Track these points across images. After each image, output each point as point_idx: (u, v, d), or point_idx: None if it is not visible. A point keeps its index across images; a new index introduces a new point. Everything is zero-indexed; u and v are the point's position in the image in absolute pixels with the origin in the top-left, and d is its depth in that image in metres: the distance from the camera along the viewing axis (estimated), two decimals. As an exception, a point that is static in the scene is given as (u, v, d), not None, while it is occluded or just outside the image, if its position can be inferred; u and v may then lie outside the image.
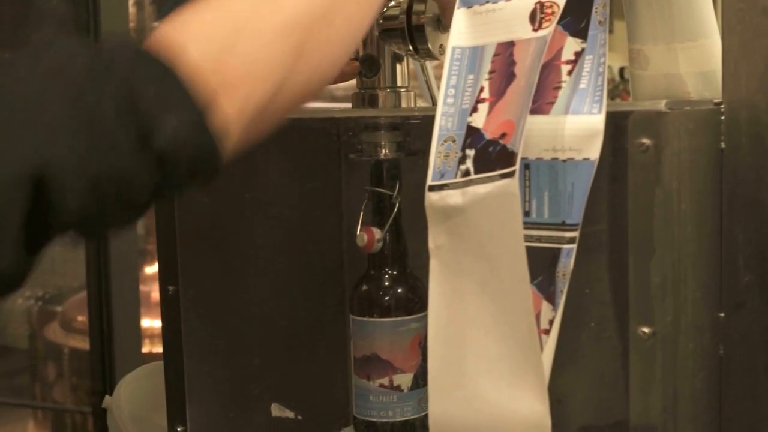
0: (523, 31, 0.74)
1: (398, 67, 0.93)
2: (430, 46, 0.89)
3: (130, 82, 0.58)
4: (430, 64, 1.04)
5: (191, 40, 0.61)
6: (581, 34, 0.75)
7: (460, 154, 0.72)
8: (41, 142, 0.56)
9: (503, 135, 0.70)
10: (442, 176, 0.72)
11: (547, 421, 0.70)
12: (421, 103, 1.00)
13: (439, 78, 1.02)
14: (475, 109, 0.73)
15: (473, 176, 0.70)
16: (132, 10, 2.72)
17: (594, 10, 0.75)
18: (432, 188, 0.73)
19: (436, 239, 0.73)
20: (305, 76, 0.67)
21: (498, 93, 0.73)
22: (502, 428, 0.72)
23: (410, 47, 0.90)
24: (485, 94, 0.73)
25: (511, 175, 0.68)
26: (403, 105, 0.94)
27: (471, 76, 0.75)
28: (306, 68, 0.67)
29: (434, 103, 1.02)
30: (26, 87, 0.57)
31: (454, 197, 0.71)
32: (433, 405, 0.75)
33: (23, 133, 0.56)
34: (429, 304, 0.74)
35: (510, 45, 0.74)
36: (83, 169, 0.57)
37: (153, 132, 0.58)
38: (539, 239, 0.73)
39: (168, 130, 0.58)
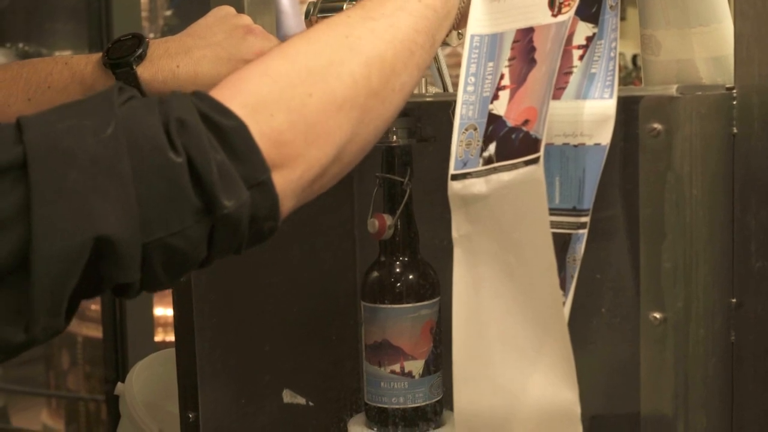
0: (542, 16, 0.73)
1: (409, 53, 0.93)
2: (441, 32, 0.88)
3: (197, 147, 0.59)
4: (441, 51, 1.03)
5: (257, 108, 0.62)
6: (593, 18, 0.74)
7: (482, 142, 0.72)
8: (106, 207, 0.56)
9: (526, 122, 0.70)
10: (465, 165, 0.72)
11: (577, 409, 0.70)
12: (432, 90, 0.99)
13: (450, 66, 1.02)
14: (496, 97, 0.73)
15: (497, 164, 0.70)
16: (144, -1, 2.72)
17: (606, -6, 0.75)
18: (455, 177, 0.72)
19: (459, 228, 0.73)
20: (359, 146, 0.69)
21: (519, 80, 0.72)
22: (531, 416, 0.71)
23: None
24: (506, 81, 0.73)
25: (535, 161, 0.68)
26: (414, 91, 0.93)
27: (491, 64, 0.75)
28: (360, 140, 0.69)
29: (446, 90, 1.01)
30: (96, 150, 0.57)
31: (477, 185, 0.71)
32: (458, 395, 0.74)
33: (90, 197, 0.56)
34: (453, 294, 0.73)
35: (529, 31, 0.74)
36: (146, 235, 0.57)
37: (217, 199, 0.59)
38: (550, 225, 0.73)
39: (232, 199, 0.59)
